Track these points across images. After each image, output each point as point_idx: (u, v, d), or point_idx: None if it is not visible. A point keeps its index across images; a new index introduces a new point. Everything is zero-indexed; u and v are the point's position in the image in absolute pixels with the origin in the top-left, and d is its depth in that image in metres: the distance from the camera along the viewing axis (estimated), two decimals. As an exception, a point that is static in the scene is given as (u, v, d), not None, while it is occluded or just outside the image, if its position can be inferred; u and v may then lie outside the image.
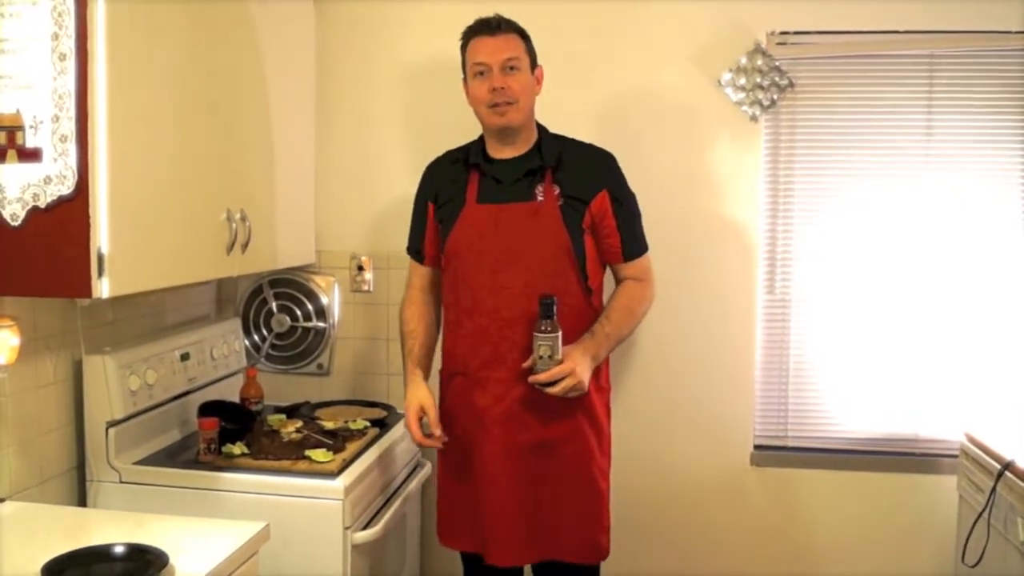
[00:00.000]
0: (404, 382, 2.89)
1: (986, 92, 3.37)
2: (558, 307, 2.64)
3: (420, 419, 2.80)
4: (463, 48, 2.82)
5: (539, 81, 2.86)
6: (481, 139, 2.90)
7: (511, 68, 2.73)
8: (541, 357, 2.60)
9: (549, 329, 2.59)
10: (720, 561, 3.59)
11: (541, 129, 2.88)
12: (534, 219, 2.75)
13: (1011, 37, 3.30)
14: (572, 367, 2.61)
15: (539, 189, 2.78)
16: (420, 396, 2.82)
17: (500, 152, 2.85)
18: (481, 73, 2.75)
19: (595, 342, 2.74)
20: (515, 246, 2.75)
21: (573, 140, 2.90)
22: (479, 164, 2.85)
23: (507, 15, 2.79)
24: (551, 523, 2.80)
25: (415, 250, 3.01)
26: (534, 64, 2.83)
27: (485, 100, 2.75)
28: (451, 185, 2.89)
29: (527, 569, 2.92)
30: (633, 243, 2.86)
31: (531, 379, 2.62)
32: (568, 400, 2.74)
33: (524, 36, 2.81)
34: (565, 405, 2.76)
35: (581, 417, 2.81)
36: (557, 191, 2.77)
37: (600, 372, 2.88)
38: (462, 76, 2.84)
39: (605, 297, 2.90)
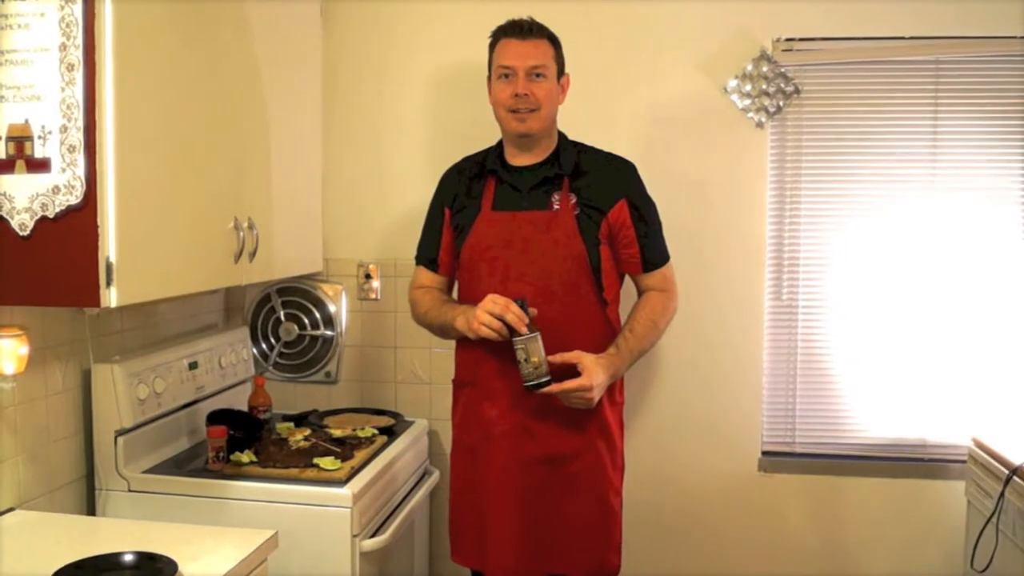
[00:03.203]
0: (456, 320, 2.72)
1: (992, 97, 3.37)
2: (569, 312, 2.66)
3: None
4: (491, 47, 2.81)
5: (564, 90, 2.85)
6: (499, 145, 2.89)
7: (537, 75, 2.72)
8: (519, 362, 2.56)
9: (523, 332, 2.56)
10: (728, 567, 3.59)
11: (561, 136, 2.87)
12: (548, 228, 2.74)
13: (1017, 42, 3.30)
14: (590, 384, 2.59)
15: (555, 197, 2.76)
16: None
17: (518, 159, 2.83)
18: (506, 76, 2.73)
19: (619, 357, 2.72)
20: (528, 255, 2.73)
21: (593, 148, 2.89)
22: (496, 171, 2.84)
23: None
24: (558, 538, 2.78)
25: (429, 258, 2.97)
26: (561, 72, 2.82)
27: (506, 104, 2.73)
28: (467, 191, 2.88)
29: None
30: (654, 253, 2.83)
31: (544, 390, 2.58)
32: (581, 413, 2.73)
33: (555, 43, 2.79)
34: (578, 419, 2.74)
35: (594, 432, 2.79)
36: (574, 200, 2.75)
37: (615, 386, 2.85)
38: (487, 75, 2.84)
39: (621, 309, 2.88)
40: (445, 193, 2.96)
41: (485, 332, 2.59)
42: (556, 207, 2.75)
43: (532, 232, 2.74)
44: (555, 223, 2.74)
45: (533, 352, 2.55)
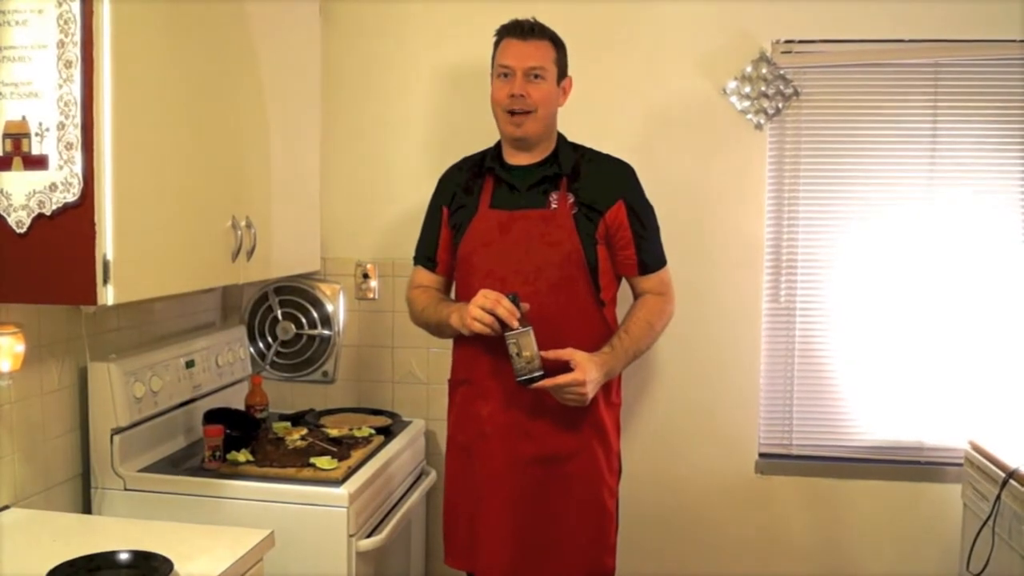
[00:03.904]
0: (451, 317, 2.72)
1: (991, 101, 3.38)
2: (565, 312, 2.67)
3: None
4: (495, 46, 2.80)
5: (566, 93, 2.85)
6: (498, 144, 2.89)
7: (535, 76, 2.72)
8: (511, 356, 2.55)
9: (515, 326, 2.55)
10: (725, 568, 3.59)
11: (560, 138, 2.86)
12: (545, 227, 2.73)
13: (1016, 46, 3.31)
14: (583, 379, 2.57)
15: (553, 197, 2.76)
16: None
17: (516, 158, 2.83)
18: (505, 75, 2.74)
19: (613, 356, 2.70)
20: (524, 254, 2.73)
21: (591, 150, 2.89)
22: (494, 169, 2.84)
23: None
24: (551, 540, 2.77)
25: (427, 257, 2.97)
26: (563, 74, 2.81)
27: (503, 103, 2.74)
28: (466, 190, 2.88)
29: None
30: (650, 256, 2.83)
31: (536, 384, 2.56)
32: (576, 414, 2.72)
33: (557, 45, 2.79)
34: (573, 419, 2.74)
35: (590, 433, 2.78)
36: (571, 200, 2.75)
37: (611, 387, 2.84)
38: (490, 72, 2.83)
39: (619, 311, 2.88)
40: (443, 192, 2.96)
41: (477, 327, 2.59)
42: (554, 206, 2.74)
43: (529, 230, 2.74)
44: (552, 222, 2.73)
45: (525, 346, 2.54)
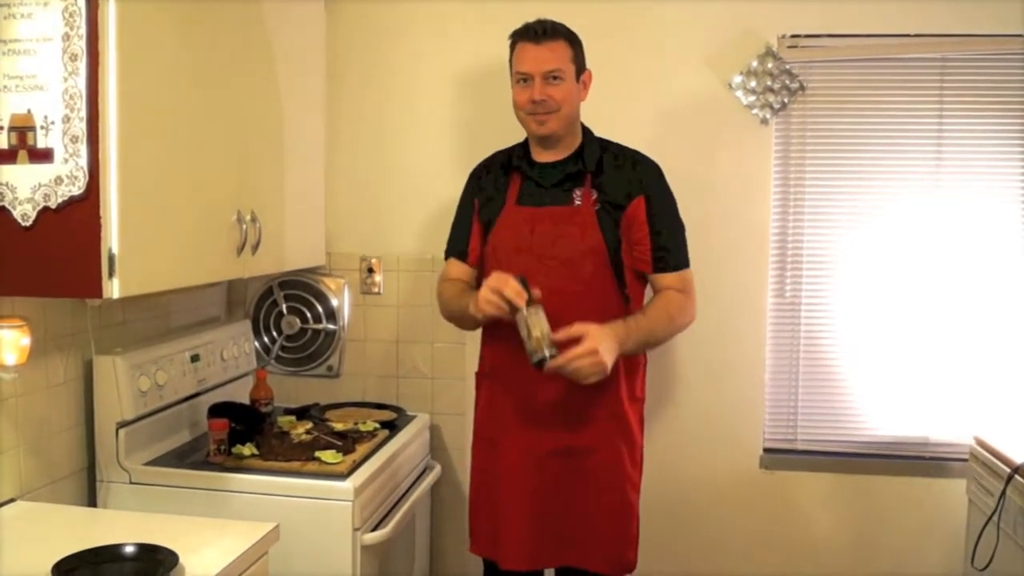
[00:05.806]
0: (470, 305, 2.68)
1: (998, 96, 3.36)
2: (590, 307, 2.65)
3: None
4: (510, 49, 2.80)
5: (586, 86, 2.84)
6: (525, 141, 2.90)
7: (554, 78, 2.72)
8: (523, 339, 2.52)
9: (522, 307, 2.52)
10: (729, 564, 3.58)
11: (586, 133, 2.87)
12: (569, 223, 2.74)
13: (1022, 41, 3.29)
14: (595, 346, 2.50)
15: (577, 193, 2.76)
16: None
17: (542, 156, 2.84)
18: (524, 80, 2.74)
19: (626, 328, 2.64)
20: (550, 250, 2.73)
21: (618, 145, 2.88)
22: (521, 167, 2.85)
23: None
24: (573, 532, 2.79)
25: (460, 250, 2.96)
26: (581, 69, 2.81)
27: (525, 108, 2.74)
28: (494, 186, 2.89)
29: (547, 573, 2.92)
30: (666, 255, 2.80)
31: (549, 366, 2.50)
32: (599, 408, 2.74)
33: (573, 42, 2.78)
34: (596, 413, 2.75)
35: (612, 427, 2.79)
36: (595, 196, 2.76)
37: (635, 382, 2.86)
38: (509, 76, 2.82)
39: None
40: (474, 186, 2.98)
41: (488, 308, 2.57)
42: (577, 203, 2.75)
43: (553, 227, 2.75)
44: (576, 218, 2.74)
45: (534, 326, 2.50)
